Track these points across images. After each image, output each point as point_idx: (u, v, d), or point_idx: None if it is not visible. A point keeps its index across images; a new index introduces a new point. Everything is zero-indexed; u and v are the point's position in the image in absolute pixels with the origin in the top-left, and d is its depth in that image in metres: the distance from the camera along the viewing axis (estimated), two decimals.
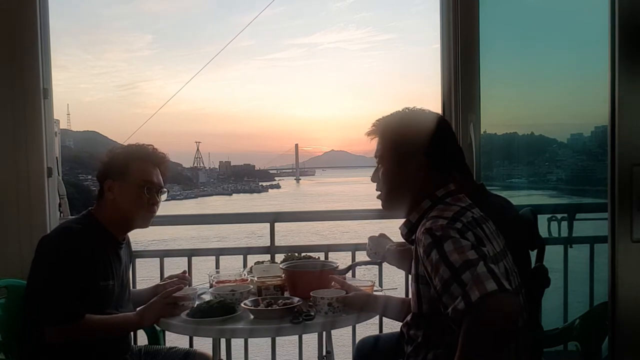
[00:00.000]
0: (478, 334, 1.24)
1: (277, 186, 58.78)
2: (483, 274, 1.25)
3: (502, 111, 3.23)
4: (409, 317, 1.58)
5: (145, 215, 1.97)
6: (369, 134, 1.67)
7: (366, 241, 2.20)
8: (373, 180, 1.67)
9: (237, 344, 2.68)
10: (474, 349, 1.24)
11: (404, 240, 1.67)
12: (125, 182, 1.93)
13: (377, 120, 1.65)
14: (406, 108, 1.65)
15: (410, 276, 1.56)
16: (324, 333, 2.20)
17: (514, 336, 1.41)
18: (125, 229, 2.01)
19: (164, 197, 2.03)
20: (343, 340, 2.80)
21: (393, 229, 2.23)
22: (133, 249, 2.22)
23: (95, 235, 1.88)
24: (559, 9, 3.04)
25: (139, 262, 2.58)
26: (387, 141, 1.63)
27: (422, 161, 1.55)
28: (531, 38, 3.14)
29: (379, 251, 2.13)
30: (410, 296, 1.61)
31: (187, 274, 2.26)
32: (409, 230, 1.58)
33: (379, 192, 1.66)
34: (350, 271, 2.38)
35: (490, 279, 1.24)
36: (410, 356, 1.53)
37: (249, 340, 2.62)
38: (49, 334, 1.75)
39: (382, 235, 2.17)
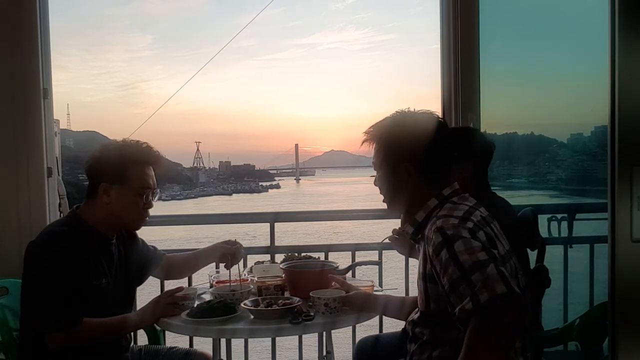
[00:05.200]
0: (485, 335, 1.25)
1: (277, 186, 58.65)
2: (493, 276, 1.25)
3: (502, 111, 3.23)
4: (415, 315, 1.58)
5: (139, 219, 1.95)
6: (363, 142, 1.66)
7: (364, 241, 2.20)
8: (375, 184, 1.68)
9: (237, 344, 2.69)
10: (480, 350, 1.24)
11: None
12: (124, 187, 1.87)
13: (370, 127, 1.64)
14: (398, 111, 1.63)
15: (417, 274, 1.56)
16: (324, 333, 2.20)
17: (519, 338, 1.41)
18: (117, 229, 1.97)
19: (156, 197, 1.99)
20: (343, 340, 2.79)
21: (391, 229, 2.24)
22: None
23: (82, 236, 1.83)
24: (559, 9, 3.04)
25: None
26: (379, 149, 1.63)
27: (409, 167, 1.55)
28: (531, 38, 3.15)
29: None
30: (410, 295, 1.61)
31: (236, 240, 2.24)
32: (415, 229, 1.58)
33: (383, 197, 1.66)
34: (350, 271, 2.38)
35: (500, 281, 1.25)
36: (414, 354, 1.53)
37: (249, 340, 2.62)
38: (50, 340, 1.73)
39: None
